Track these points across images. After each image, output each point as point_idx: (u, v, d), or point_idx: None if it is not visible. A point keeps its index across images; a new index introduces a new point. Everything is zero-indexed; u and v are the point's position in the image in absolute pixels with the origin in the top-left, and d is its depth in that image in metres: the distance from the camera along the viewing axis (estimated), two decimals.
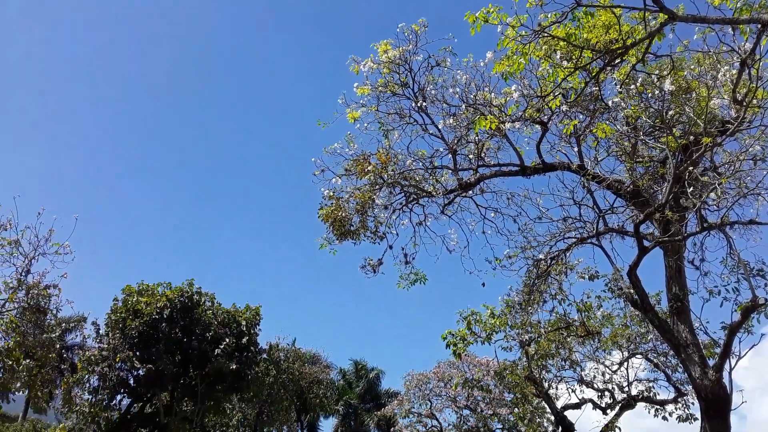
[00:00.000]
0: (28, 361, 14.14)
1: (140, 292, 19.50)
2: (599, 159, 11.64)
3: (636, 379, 18.99)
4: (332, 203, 12.89)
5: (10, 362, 13.80)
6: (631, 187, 11.20)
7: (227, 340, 19.51)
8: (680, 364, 15.91)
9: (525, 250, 13.16)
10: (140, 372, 18.90)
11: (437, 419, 33.74)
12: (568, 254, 13.16)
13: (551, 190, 12.36)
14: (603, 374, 18.87)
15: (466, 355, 24.07)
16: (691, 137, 9.88)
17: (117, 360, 18.28)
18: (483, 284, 13.44)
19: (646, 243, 10.56)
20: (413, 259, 13.51)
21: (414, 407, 34.02)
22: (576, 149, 11.33)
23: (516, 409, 23.47)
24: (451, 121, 11.70)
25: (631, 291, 11.20)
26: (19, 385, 14.61)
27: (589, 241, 12.10)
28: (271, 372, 29.86)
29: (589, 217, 12.19)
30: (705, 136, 8.87)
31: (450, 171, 12.54)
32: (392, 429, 53.52)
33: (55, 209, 15.37)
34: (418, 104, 11.82)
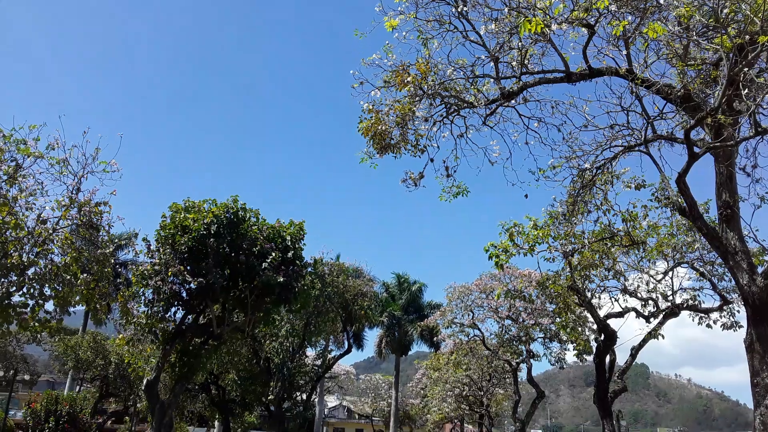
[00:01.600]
0: (85, 275, 14.74)
1: (187, 209, 19.92)
2: (649, 62, 11.14)
3: (681, 288, 18.92)
4: (372, 116, 12.77)
5: (69, 277, 14.41)
6: (682, 91, 10.75)
7: (273, 254, 19.92)
8: (727, 272, 15.73)
9: (570, 159, 12.93)
10: (192, 285, 19.58)
11: (479, 329, 34.43)
12: (614, 163, 12.90)
13: (598, 96, 11.97)
14: (647, 284, 18.84)
15: (508, 267, 24.20)
16: (747, 37, 9.34)
17: (169, 274, 18.93)
18: (526, 196, 13.34)
19: (696, 149, 10.24)
20: (455, 171, 13.43)
21: (456, 318, 34.72)
22: (624, 53, 10.85)
23: (558, 318, 23.73)
24: (493, 26, 11.27)
25: (680, 199, 10.96)
26: (78, 298, 15.28)
27: (636, 149, 11.79)
28: (317, 285, 30.64)
29: (637, 124, 11.82)
30: (762, 35, 8.38)
31: (492, 80, 12.21)
32: (435, 338, 55.02)
33: (100, 128, 15.58)
34: (459, 9, 11.40)
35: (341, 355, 43.57)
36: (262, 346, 35.09)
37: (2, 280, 14.26)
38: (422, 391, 58.02)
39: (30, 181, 15.19)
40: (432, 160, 13.17)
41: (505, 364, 35.20)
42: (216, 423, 49.18)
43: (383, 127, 12.68)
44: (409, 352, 68.74)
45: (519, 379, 34.89)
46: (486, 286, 32.78)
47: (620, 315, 19.05)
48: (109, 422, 56.39)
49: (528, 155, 12.83)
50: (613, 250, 17.37)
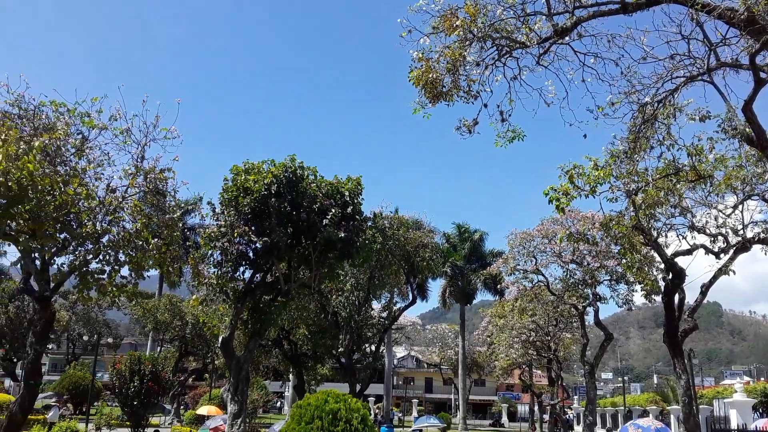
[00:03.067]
0: (156, 240, 15.35)
1: (247, 170, 20.33)
2: None
3: (752, 222, 18.23)
4: (422, 65, 12.59)
5: (141, 242, 15.04)
6: (746, 14, 10.17)
7: (333, 210, 20.20)
8: None
9: (629, 95, 12.49)
10: (257, 245, 20.12)
11: (543, 275, 34.24)
12: (676, 95, 12.39)
13: (656, 26, 11.43)
14: (716, 219, 18.21)
15: (569, 210, 23.81)
16: None
17: (235, 235, 19.50)
18: (585, 135, 13.00)
19: (762, 75, 9.74)
20: (509, 116, 13.17)
21: (519, 265, 34.58)
22: None
23: (623, 259, 23.33)
24: None
25: (747, 128, 10.51)
26: (151, 263, 15.95)
27: (699, 78, 11.29)
28: (378, 239, 30.95)
29: (699, 52, 11.27)
30: None
31: (544, 17, 11.82)
32: (499, 286, 55.02)
33: (158, 95, 15.94)
34: None
35: (406, 307, 44.10)
36: (329, 300, 35.87)
37: (79, 248, 15.02)
38: (488, 339, 58.36)
39: (97, 153, 15.81)
40: (486, 106, 12.93)
41: (572, 309, 35.02)
42: (290, 376, 51.00)
43: (434, 75, 12.50)
44: (474, 301, 69.12)
45: (586, 323, 34.70)
46: (548, 231, 32.43)
47: (688, 252, 18.56)
48: (190, 379, 59.27)
49: (585, 93, 12.45)
50: (678, 186, 16.82)
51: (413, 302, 42.88)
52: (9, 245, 15.46)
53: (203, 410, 38.45)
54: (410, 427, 49.56)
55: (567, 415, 63.57)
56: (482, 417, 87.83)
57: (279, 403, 77.16)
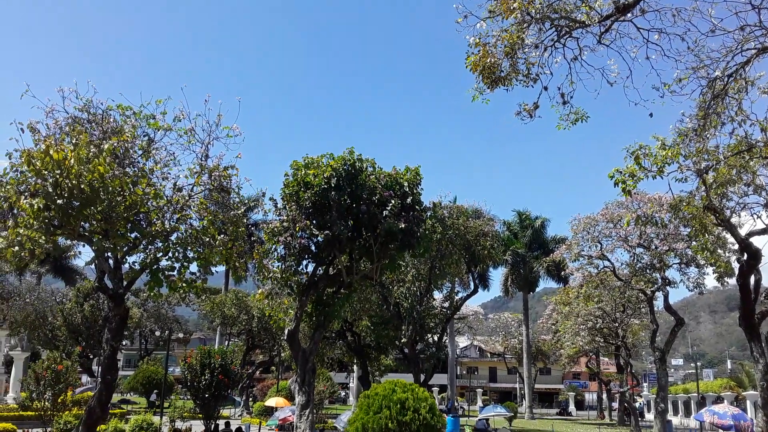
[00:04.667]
0: (222, 236, 15.68)
1: (307, 165, 20.55)
2: None
3: None
4: (479, 50, 12.43)
5: (208, 239, 15.38)
6: None
7: (393, 201, 20.22)
8: None
9: (697, 70, 12.01)
10: (319, 238, 20.35)
11: (609, 260, 33.43)
12: (747, 68, 11.85)
13: None
14: None
15: (635, 192, 23.14)
16: None
17: (297, 229, 19.76)
18: (650, 114, 12.59)
19: None
20: (571, 97, 12.85)
21: (583, 250, 33.85)
22: None
23: (694, 242, 22.56)
24: None
25: None
26: (218, 259, 16.31)
27: None
28: (438, 229, 30.86)
29: None
30: None
31: None
32: (562, 273, 54.03)
33: (220, 95, 16.26)
34: None
35: (468, 296, 43.92)
36: (391, 292, 36.02)
37: (149, 247, 15.48)
38: (553, 327, 57.46)
39: (163, 153, 16.26)
40: (546, 89, 12.67)
41: (640, 294, 34.10)
42: (355, 367, 51.50)
43: (492, 60, 12.32)
44: (536, 289, 68.14)
45: (655, 308, 33.73)
46: (613, 214, 31.63)
47: (764, 232, 17.80)
48: (258, 372, 60.59)
49: (650, 71, 12.03)
50: (752, 163, 16.11)
51: (475, 291, 42.70)
52: (83, 246, 16.02)
53: (271, 402, 39.25)
54: (475, 416, 49.36)
55: (637, 403, 62.17)
56: (549, 406, 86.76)
57: (344, 394, 78.10)
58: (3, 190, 13.90)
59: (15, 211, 13.97)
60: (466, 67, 12.63)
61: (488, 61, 12.31)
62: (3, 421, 23.21)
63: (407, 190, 21.15)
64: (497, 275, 63.37)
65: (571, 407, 78.50)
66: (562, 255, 35.71)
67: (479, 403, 73.42)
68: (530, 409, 61.33)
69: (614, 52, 12.06)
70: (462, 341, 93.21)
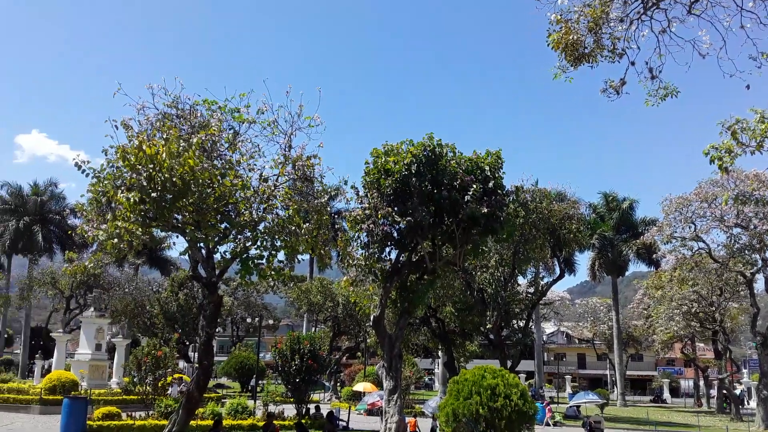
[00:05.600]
0: (307, 225, 15.99)
1: (387, 152, 20.62)
2: None
3: None
4: (561, 27, 12.10)
5: (293, 228, 15.72)
6: None
7: (474, 186, 20.00)
8: None
9: None
10: (401, 225, 20.40)
11: (704, 241, 31.95)
12: None
13: None
14: None
15: (732, 169, 21.94)
16: None
17: (379, 216, 19.89)
18: (747, 86, 11.89)
19: None
20: (660, 72, 12.34)
21: (676, 232, 32.54)
22: None
23: None
24: None
25: None
26: (304, 247, 16.65)
27: None
28: (520, 213, 30.28)
29: None
30: None
31: None
32: (653, 256, 52.07)
33: (301, 86, 16.55)
34: None
35: (554, 281, 43.07)
36: (474, 277, 35.76)
37: (239, 236, 15.98)
38: (645, 312, 55.53)
39: (248, 145, 16.73)
40: (633, 64, 12.21)
41: (738, 276, 32.43)
42: (440, 353, 51.58)
43: (575, 37, 11.96)
44: (626, 273, 65.94)
45: (756, 291, 32.01)
46: (707, 193, 30.18)
47: None
48: (344, 357, 61.71)
49: (745, 40, 11.32)
50: None
51: (561, 276, 41.81)
52: (177, 237, 16.73)
53: (359, 387, 39.90)
54: (564, 403, 48.45)
55: (737, 390, 59.26)
56: (641, 393, 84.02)
57: (429, 380, 78.41)
58: (101, 185, 14.66)
59: (113, 205, 14.74)
60: (548, 45, 12.32)
61: (571, 38, 11.98)
62: (108, 405, 24.64)
63: (488, 174, 20.86)
64: (584, 259, 61.98)
65: (666, 394, 75.73)
66: (653, 237, 34.42)
67: (568, 389, 72.05)
68: (622, 396, 59.59)
69: (706, 22, 11.45)
70: (549, 327, 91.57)
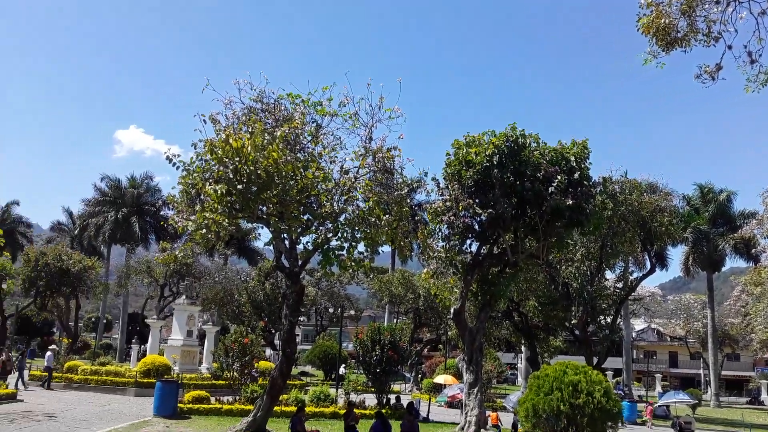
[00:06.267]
0: (387, 217, 16.07)
1: (468, 143, 20.39)
2: None
3: None
4: (652, 11, 11.61)
5: (373, 219, 15.84)
6: None
7: (559, 177, 19.49)
8: None
9: None
10: (482, 217, 20.16)
11: None
12: None
13: None
14: None
15: None
16: None
17: (460, 208, 19.72)
18: None
19: None
20: (760, 56, 11.62)
21: None
22: None
23: None
24: None
25: None
26: (384, 238, 16.75)
27: None
28: (608, 205, 29.31)
29: None
30: None
31: None
32: (753, 250, 49.22)
33: (380, 77, 16.63)
34: None
35: (643, 276, 41.38)
36: (559, 271, 34.93)
37: (320, 227, 16.26)
38: (742, 309, 52.68)
39: (330, 138, 16.98)
40: (730, 48, 11.54)
41: None
42: (522, 348, 50.76)
43: (666, 21, 11.44)
44: (722, 268, 62.58)
45: None
46: None
47: None
48: (426, 349, 61.80)
49: None
50: None
51: (651, 271, 40.15)
52: (262, 228, 17.22)
53: (440, 379, 39.83)
54: (654, 402, 46.70)
55: None
56: (737, 394, 79.79)
57: (512, 374, 77.43)
58: (191, 177, 15.25)
59: (201, 197, 15.29)
60: (638, 30, 11.85)
61: (662, 21, 11.47)
62: (198, 389, 25.69)
63: (574, 164, 20.27)
64: (676, 254, 59.29)
65: (764, 396, 71.57)
66: (752, 231, 32.57)
67: (658, 388, 69.39)
68: (716, 396, 56.78)
69: None
70: (638, 324, 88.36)
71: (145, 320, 48.08)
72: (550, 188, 19.40)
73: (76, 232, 68.36)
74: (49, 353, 31.08)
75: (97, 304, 79.93)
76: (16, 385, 27.25)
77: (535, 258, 22.52)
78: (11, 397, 23.31)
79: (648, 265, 40.47)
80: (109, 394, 27.98)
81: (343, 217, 16.10)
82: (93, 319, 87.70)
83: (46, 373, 30.02)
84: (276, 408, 19.97)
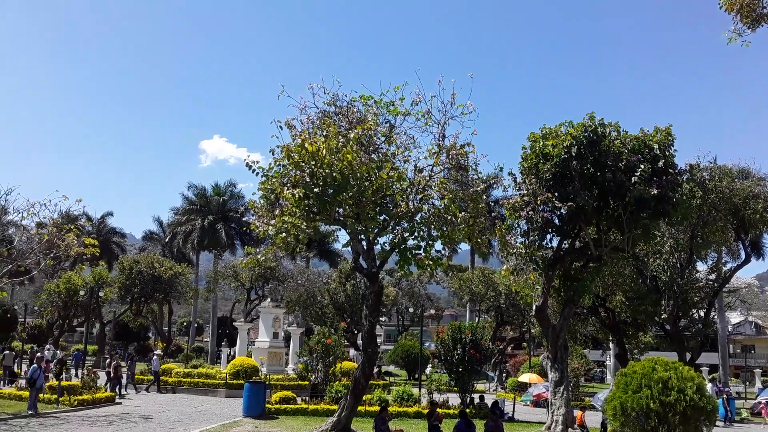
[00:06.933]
0: (463, 214, 15.94)
1: (544, 136, 19.97)
2: None
3: None
4: None
5: (449, 217, 15.74)
6: None
7: (642, 166, 18.79)
8: None
9: None
10: (562, 211, 19.69)
11: None
12: None
13: None
14: None
15: None
16: None
17: (538, 203, 19.31)
18: None
19: None
20: None
21: None
22: None
23: None
24: None
25: None
26: (461, 236, 16.63)
27: None
28: (697, 193, 28.01)
29: None
30: None
31: None
32: None
33: (452, 73, 16.55)
34: None
35: (738, 267, 39.22)
36: (646, 264, 33.65)
37: (396, 227, 16.30)
38: None
39: (403, 137, 16.99)
40: None
41: None
42: (611, 345, 49.21)
43: None
44: None
45: None
46: None
47: None
48: (509, 348, 60.88)
49: None
50: None
51: (746, 261, 38.02)
52: (340, 230, 17.43)
53: (525, 378, 39.18)
54: (753, 399, 44.26)
55: None
56: None
57: (600, 372, 75.23)
58: (270, 183, 15.61)
59: (280, 201, 15.64)
60: (720, 7, 11.31)
61: None
62: (284, 389, 26.29)
63: (658, 152, 19.49)
64: None
65: None
66: None
67: (758, 384, 65.77)
68: None
69: None
70: (734, 317, 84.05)
71: (233, 323, 49.63)
72: (633, 178, 18.75)
73: (167, 240, 71.41)
74: (155, 358, 32.64)
75: (189, 309, 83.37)
76: (125, 389, 28.57)
77: (620, 251, 21.81)
78: (110, 400, 24.56)
79: (743, 254, 38.34)
80: (201, 396, 29.05)
81: (419, 216, 16.08)
82: (185, 324, 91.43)
83: (152, 377, 31.48)
84: (360, 408, 20.16)
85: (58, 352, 42.77)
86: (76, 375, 34.47)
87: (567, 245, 21.28)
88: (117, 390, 27.29)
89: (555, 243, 21.51)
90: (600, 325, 38.63)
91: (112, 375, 27.64)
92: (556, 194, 19.60)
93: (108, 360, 32.50)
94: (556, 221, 20.67)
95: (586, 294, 23.54)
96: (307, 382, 29.61)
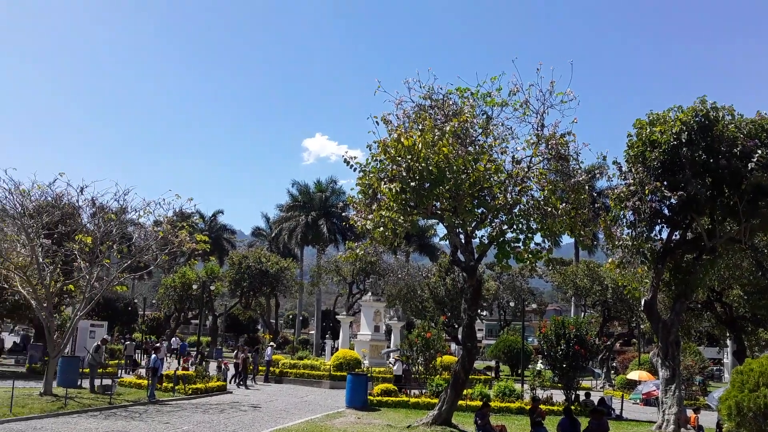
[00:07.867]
0: (564, 205, 15.50)
1: (651, 122, 19.04)
2: None
3: None
4: None
5: (549, 209, 15.36)
6: None
7: (759, 152, 17.55)
8: None
9: None
10: (672, 200, 18.72)
11: None
12: None
13: None
14: None
15: None
16: None
17: (646, 192, 18.45)
18: None
19: None
20: None
21: None
22: None
23: None
24: None
25: None
26: (561, 228, 16.17)
27: None
28: None
29: None
30: None
31: None
32: None
33: (552, 60, 16.15)
34: None
35: None
36: (766, 256, 31.45)
37: (494, 220, 16.08)
38: None
39: (500, 128, 16.74)
40: None
41: None
42: (728, 342, 46.42)
43: None
44: None
45: None
46: None
47: None
48: (617, 344, 58.68)
49: None
50: None
51: None
52: (438, 224, 17.40)
53: (633, 375, 37.69)
54: None
55: None
56: None
57: (717, 370, 71.12)
58: (367, 178, 15.82)
59: (378, 196, 15.81)
60: None
61: None
62: (386, 382, 26.63)
63: None
64: None
65: None
66: None
67: None
68: None
69: None
70: None
71: (336, 316, 50.73)
72: (749, 164, 17.56)
73: (273, 236, 73.99)
74: (269, 349, 33.97)
75: (294, 302, 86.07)
76: (246, 380, 29.71)
77: (736, 242, 20.52)
78: (222, 389, 25.74)
79: None
80: (307, 387, 29.92)
81: (517, 208, 15.80)
82: (291, 317, 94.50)
83: (263, 368, 32.73)
84: (461, 402, 20.09)
85: (185, 343, 45.38)
86: (179, 365, 36.32)
87: (677, 236, 20.23)
88: (243, 382, 28.68)
89: (664, 234, 20.51)
90: (716, 321, 36.47)
91: (240, 367, 29.15)
92: (665, 183, 18.68)
93: (236, 353, 34.35)
94: (666, 211, 19.68)
95: (699, 288, 22.34)
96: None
